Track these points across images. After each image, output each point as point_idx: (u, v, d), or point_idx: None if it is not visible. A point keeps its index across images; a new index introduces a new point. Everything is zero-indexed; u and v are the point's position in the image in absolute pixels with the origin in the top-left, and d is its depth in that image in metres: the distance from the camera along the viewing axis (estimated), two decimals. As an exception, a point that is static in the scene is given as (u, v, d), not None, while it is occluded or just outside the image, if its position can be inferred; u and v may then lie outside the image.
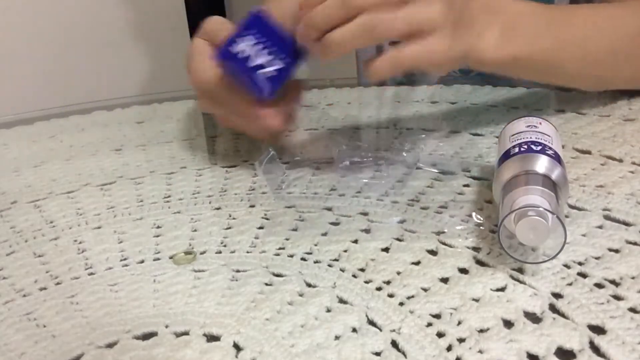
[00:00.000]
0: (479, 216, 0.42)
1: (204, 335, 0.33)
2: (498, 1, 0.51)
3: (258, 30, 0.47)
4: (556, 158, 0.38)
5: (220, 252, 0.42)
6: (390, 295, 0.34)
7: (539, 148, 0.39)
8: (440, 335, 0.31)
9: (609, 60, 0.56)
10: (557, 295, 0.33)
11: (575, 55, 0.54)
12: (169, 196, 0.52)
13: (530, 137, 0.41)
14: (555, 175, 0.37)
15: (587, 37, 0.54)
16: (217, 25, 0.53)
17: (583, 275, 0.35)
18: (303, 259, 0.39)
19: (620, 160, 0.49)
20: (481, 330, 0.31)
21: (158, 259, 0.41)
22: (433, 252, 0.39)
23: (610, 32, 0.55)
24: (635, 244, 0.37)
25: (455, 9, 0.46)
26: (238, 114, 0.52)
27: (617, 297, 0.32)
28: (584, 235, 0.39)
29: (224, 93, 0.51)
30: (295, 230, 0.43)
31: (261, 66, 0.47)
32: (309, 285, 0.36)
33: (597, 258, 0.36)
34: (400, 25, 0.44)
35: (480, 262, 0.37)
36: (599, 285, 0.33)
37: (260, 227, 0.44)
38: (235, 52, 0.47)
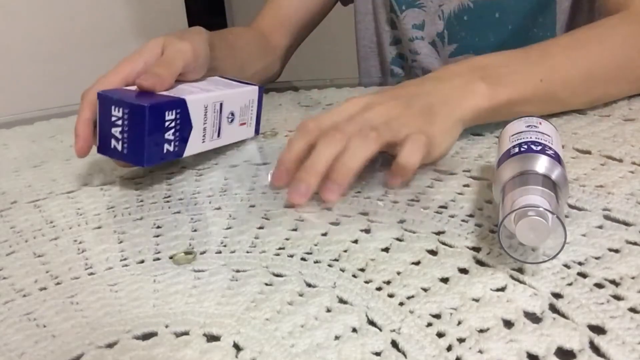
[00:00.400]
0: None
1: (204, 335, 0.33)
2: (473, 60, 0.54)
3: (102, 112, 0.51)
4: (556, 158, 0.38)
5: (220, 252, 0.42)
6: (390, 295, 0.34)
7: (539, 148, 0.39)
8: (440, 335, 0.31)
9: (595, 80, 0.57)
10: (557, 295, 0.33)
11: (564, 83, 0.56)
12: (169, 196, 0.52)
13: (530, 137, 0.41)
14: (555, 175, 0.37)
15: (569, 63, 0.56)
16: (151, 58, 0.57)
17: (583, 275, 0.35)
18: (303, 259, 0.39)
19: (620, 160, 0.49)
20: (481, 330, 0.31)
21: (158, 259, 0.41)
22: (433, 252, 0.39)
23: (592, 53, 0.57)
24: (635, 244, 0.37)
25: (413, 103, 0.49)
26: None
27: (617, 297, 0.32)
28: (584, 235, 0.39)
29: None
30: (295, 230, 0.43)
31: (126, 146, 0.51)
32: (309, 285, 0.36)
33: (597, 258, 0.36)
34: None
35: (480, 262, 0.37)
36: (599, 285, 0.33)
37: (260, 227, 0.44)
38: (106, 144, 0.51)
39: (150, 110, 0.49)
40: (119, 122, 0.50)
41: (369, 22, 0.90)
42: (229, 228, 0.45)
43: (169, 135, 0.52)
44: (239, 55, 0.73)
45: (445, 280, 0.35)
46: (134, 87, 0.54)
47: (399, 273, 0.37)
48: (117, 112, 0.50)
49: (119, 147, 0.51)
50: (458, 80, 0.52)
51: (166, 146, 0.52)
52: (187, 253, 0.42)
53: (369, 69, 0.94)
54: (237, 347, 0.31)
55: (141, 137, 0.50)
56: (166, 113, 0.51)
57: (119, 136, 0.50)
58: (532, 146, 0.39)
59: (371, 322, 0.32)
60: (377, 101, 0.49)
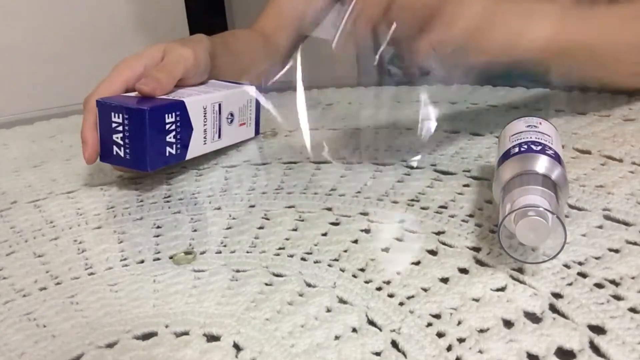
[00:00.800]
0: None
1: (204, 335, 0.33)
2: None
3: (102, 120, 0.51)
4: (556, 158, 0.38)
5: (220, 252, 0.42)
6: (390, 295, 0.34)
7: (539, 148, 0.39)
8: (440, 335, 0.31)
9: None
10: (557, 295, 0.33)
11: (611, 45, 0.55)
12: (169, 196, 0.52)
13: (530, 137, 0.41)
14: (555, 175, 0.37)
15: (620, 28, 0.55)
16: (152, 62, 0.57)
17: (583, 275, 0.35)
18: (303, 259, 0.39)
19: (620, 160, 0.49)
20: (481, 330, 0.31)
21: (158, 259, 0.41)
22: (433, 252, 0.39)
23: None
24: (635, 244, 0.37)
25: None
26: None
27: (617, 297, 0.32)
28: (584, 235, 0.39)
29: None
30: (295, 230, 0.43)
31: (127, 151, 0.51)
32: (309, 285, 0.36)
33: (597, 258, 0.36)
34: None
35: (480, 262, 0.37)
36: (599, 285, 0.33)
37: (260, 227, 0.44)
38: (108, 151, 0.52)
39: (150, 113, 0.49)
40: (120, 128, 0.50)
41: None
42: (229, 228, 0.45)
43: (170, 138, 0.52)
44: (241, 60, 0.72)
45: (445, 280, 0.35)
46: (134, 93, 0.54)
47: (399, 273, 0.37)
48: (117, 118, 0.50)
49: (122, 154, 0.51)
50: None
51: (168, 149, 0.52)
52: (187, 253, 0.42)
53: (368, 69, 0.93)
54: (237, 347, 0.31)
55: (142, 141, 0.50)
56: (166, 116, 0.51)
57: (121, 142, 0.50)
58: (532, 146, 0.39)
59: (371, 322, 0.32)
60: None
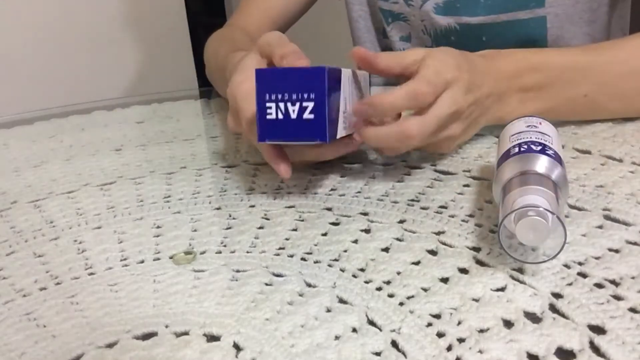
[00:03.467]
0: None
1: (204, 335, 0.33)
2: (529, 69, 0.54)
3: (269, 86, 0.44)
4: (556, 158, 0.38)
5: (220, 252, 0.41)
6: (390, 295, 0.34)
7: (539, 148, 0.39)
8: (440, 335, 0.31)
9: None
10: (557, 295, 0.33)
11: (613, 95, 0.55)
12: (169, 196, 0.52)
13: (530, 137, 0.41)
14: (555, 175, 0.37)
15: (623, 75, 0.55)
16: (274, 40, 0.51)
17: (583, 275, 0.35)
18: (303, 259, 0.39)
19: (620, 160, 0.49)
20: (481, 330, 0.31)
21: (158, 259, 0.41)
22: (433, 252, 0.39)
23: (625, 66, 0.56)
24: (635, 244, 0.37)
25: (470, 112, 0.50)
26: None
27: (617, 297, 0.32)
28: (584, 235, 0.39)
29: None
30: (295, 230, 0.43)
31: (303, 119, 0.44)
32: (309, 285, 0.36)
33: (597, 258, 0.36)
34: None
35: (480, 262, 0.37)
36: (599, 285, 0.33)
37: (260, 227, 0.44)
38: (273, 124, 0.44)
39: (329, 73, 0.43)
40: (290, 96, 0.43)
41: (363, 28, 0.90)
42: (229, 228, 0.45)
43: (340, 104, 0.46)
44: None
45: (445, 280, 0.35)
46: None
47: (399, 273, 0.37)
48: (286, 84, 0.43)
49: (292, 125, 0.43)
50: (515, 102, 0.54)
51: (341, 116, 0.46)
52: (187, 253, 0.42)
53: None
54: (237, 347, 0.31)
55: (322, 104, 0.43)
56: (340, 77, 0.46)
57: (292, 109, 0.43)
58: (532, 146, 0.39)
59: (371, 322, 0.32)
60: (460, 110, 0.48)
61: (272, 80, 0.43)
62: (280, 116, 0.44)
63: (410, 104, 0.46)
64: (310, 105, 0.43)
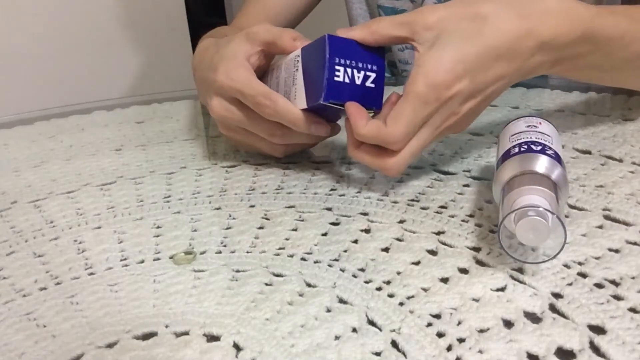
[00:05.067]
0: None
1: (204, 335, 0.33)
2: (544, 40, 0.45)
3: (339, 51, 0.46)
4: (556, 158, 0.38)
5: (220, 252, 0.42)
6: (390, 295, 0.34)
7: (539, 148, 0.39)
8: (440, 335, 0.31)
9: None
10: (557, 295, 0.33)
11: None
12: (169, 196, 0.52)
13: (530, 137, 0.41)
14: (555, 175, 0.37)
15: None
16: (272, 27, 0.52)
17: (583, 275, 0.35)
18: (303, 259, 0.39)
19: (620, 160, 0.49)
20: (481, 330, 0.31)
21: (158, 259, 0.41)
22: (433, 252, 0.39)
23: None
24: (635, 244, 0.37)
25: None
26: (258, 127, 0.52)
27: (617, 297, 0.32)
28: (584, 235, 0.39)
29: (249, 103, 0.50)
30: (295, 230, 0.43)
31: (365, 86, 0.47)
32: (309, 285, 0.36)
33: (597, 258, 0.36)
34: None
35: (480, 262, 0.37)
36: (599, 285, 0.33)
37: (260, 227, 0.44)
38: (339, 86, 0.46)
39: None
40: (357, 64, 0.46)
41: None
42: (229, 228, 0.45)
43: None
44: None
45: (445, 280, 0.35)
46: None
47: (399, 273, 0.37)
48: (354, 53, 0.46)
49: (355, 90, 0.46)
50: (542, 70, 0.47)
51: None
52: (187, 253, 0.42)
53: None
54: (237, 347, 0.31)
55: (381, 77, 0.47)
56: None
57: (357, 76, 0.46)
58: (532, 146, 0.39)
59: (371, 322, 0.32)
60: (455, 118, 0.45)
61: (342, 47, 0.46)
62: (347, 80, 0.46)
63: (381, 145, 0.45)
64: (373, 75, 0.47)
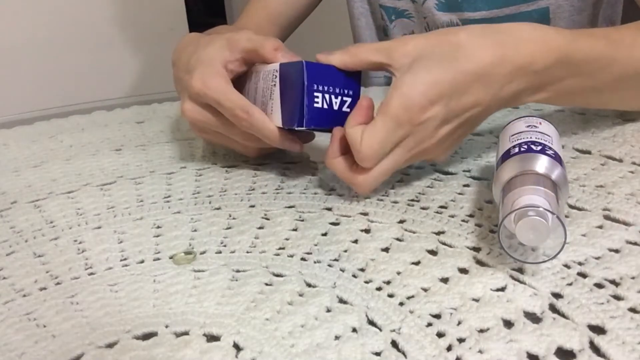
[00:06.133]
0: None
1: (204, 335, 0.33)
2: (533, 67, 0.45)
3: (317, 78, 0.47)
4: (556, 158, 0.38)
5: (220, 252, 0.42)
6: (390, 295, 0.34)
7: (539, 148, 0.39)
8: (440, 335, 0.31)
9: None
10: (557, 295, 0.33)
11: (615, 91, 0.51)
12: (169, 196, 0.52)
13: (530, 137, 0.41)
14: (555, 175, 0.37)
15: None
16: (254, 36, 0.52)
17: (583, 275, 0.35)
18: (303, 259, 0.39)
19: (620, 160, 0.49)
20: (481, 330, 0.31)
21: (158, 259, 0.41)
22: (433, 252, 0.39)
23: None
24: (635, 244, 0.37)
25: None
26: (231, 131, 0.52)
27: (617, 297, 0.32)
28: (584, 235, 0.39)
29: (225, 109, 0.50)
30: (295, 230, 0.43)
31: (342, 111, 0.48)
32: (309, 285, 0.36)
33: (597, 258, 0.36)
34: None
35: (480, 262, 0.37)
36: (599, 285, 0.33)
37: (260, 227, 0.44)
38: (318, 112, 0.47)
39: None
40: (334, 90, 0.47)
41: (364, 26, 0.90)
42: (229, 228, 0.45)
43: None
44: None
45: (445, 280, 0.35)
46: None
47: (399, 273, 0.37)
48: (331, 79, 0.47)
49: (332, 115, 0.47)
50: (523, 98, 0.47)
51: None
52: (187, 253, 0.42)
53: (366, 71, 0.93)
54: (237, 347, 0.31)
55: (356, 101, 0.47)
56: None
57: (335, 102, 0.47)
58: (532, 146, 0.39)
59: (371, 322, 0.32)
60: (430, 145, 0.45)
61: (319, 73, 0.47)
62: (325, 106, 0.47)
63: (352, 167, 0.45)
64: (349, 100, 0.48)
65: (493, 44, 0.44)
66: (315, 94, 0.47)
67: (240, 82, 0.53)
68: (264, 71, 0.52)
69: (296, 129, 0.47)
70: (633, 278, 0.34)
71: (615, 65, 0.49)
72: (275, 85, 0.50)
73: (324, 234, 0.42)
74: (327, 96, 0.47)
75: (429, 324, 0.32)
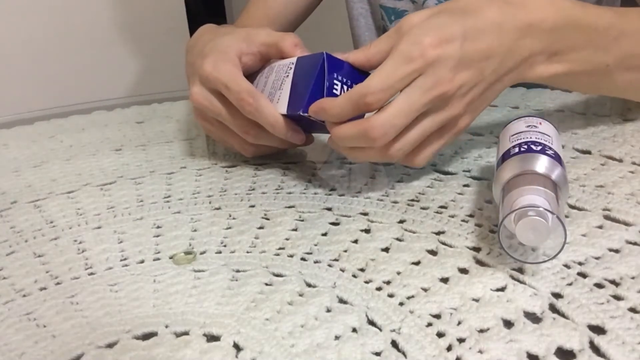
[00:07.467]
0: None
1: (204, 335, 0.33)
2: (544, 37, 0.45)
3: (335, 68, 0.48)
4: (556, 158, 0.38)
5: (220, 252, 0.42)
6: (390, 295, 0.34)
7: (539, 148, 0.39)
8: (440, 335, 0.31)
9: None
10: (557, 295, 0.33)
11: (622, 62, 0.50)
12: (169, 196, 0.52)
13: (530, 137, 0.41)
14: (555, 175, 0.37)
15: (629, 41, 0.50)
16: (273, 32, 0.53)
17: (583, 275, 0.35)
18: (303, 259, 0.39)
19: (620, 160, 0.49)
20: (481, 330, 0.31)
21: (158, 259, 0.41)
22: (433, 252, 0.39)
23: None
24: (635, 244, 0.37)
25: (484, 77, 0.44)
26: (233, 122, 0.53)
27: (617, 297, 0.32)
28: (584, 235, 0.39)
29: (232, 98, 0.51)
30: (295, 230, 0.43)
31: None
32: (309, 285, 0.36)
33: (597, 258, 0.36)
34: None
35: (480, 262, 0.37)
36: (599, 285, 0.33)
37: (260, 227, 0.44)
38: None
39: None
40: (347, 81, 0.48)
41: (363, 27, 0.90)
42: (229, 228, 0.45)
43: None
44: None
45: (445, 280, 0.35)
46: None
47: (399, 273, 0.37)
48: (345, 71, 0.48)
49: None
50: (539, 67, 0.46)
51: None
52: (187, 253, 0.42)
53: None
54: (237, 347, 0.31)
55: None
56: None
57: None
58: (532, 146, 0.39)
59: (371, 322, 0.32)
60: (447, 92, 0.43)
61: (337, 65, 0.48)
62: (339, 95, 0.47)
63: (358, 112, 0.43)
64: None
65: (501, 4, 0.44)
66: (335, 82, 0.47)
67: (250, 79, 0.53)
68: (278, 65, 0.53)
69: (301, 114, 0.47)
70: (633, 278, 0.34)
71: (624, 39, 0.49)
72: (288, 76, 0.50)
73: (324, 234, 0.42)
74: (344, 87, 0.48)
75: (429, 324, 0.32)
